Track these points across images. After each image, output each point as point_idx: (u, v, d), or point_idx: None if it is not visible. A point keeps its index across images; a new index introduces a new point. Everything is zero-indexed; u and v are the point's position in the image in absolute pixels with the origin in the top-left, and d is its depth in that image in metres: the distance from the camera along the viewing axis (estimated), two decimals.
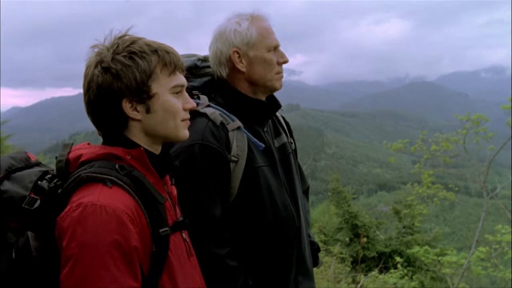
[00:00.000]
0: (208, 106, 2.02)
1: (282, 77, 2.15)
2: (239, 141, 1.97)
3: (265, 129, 2.15)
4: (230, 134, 1.96)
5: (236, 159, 1.95)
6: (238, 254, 1.95)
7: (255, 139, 2.01)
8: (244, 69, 2.06)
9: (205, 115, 1.97)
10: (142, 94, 1.41)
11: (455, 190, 12.45)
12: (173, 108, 1.46)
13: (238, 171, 1.95)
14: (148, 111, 1.43)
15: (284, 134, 2.30)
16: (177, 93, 1.48)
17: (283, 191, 2.11)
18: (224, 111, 2.00)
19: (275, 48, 2.10)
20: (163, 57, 1.43)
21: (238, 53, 2.05)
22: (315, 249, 2.43)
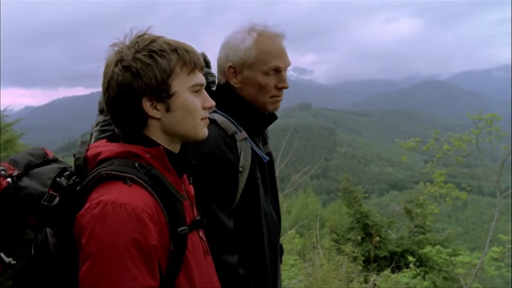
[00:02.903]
0: (215, 111, 2.00)
1: (279, 100, 2.09)
2: (245, 152, 1.96)
3: (257, 139, 2.14)
4: (238, 144, 1.95)
5: (242, 170, 1.95)
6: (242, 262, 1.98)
7: (260, 151, 2.03)
8: (237, 85, 2.04)
9: (214, 121, 1.95)
10: (162, 92, 1.41)
11: (468, 189, 12.35)
12: (192, 107, 1.45)
13: (242, 181, 1.96)
14: (167, 109, 1.43)
15: (268, 143, 2.29)
16: (196, 91, 1.48)
17: (269, 200, 2.13)
18: (232, 120, 1.99)
19: (277, 70, 2.03)
20: (183, 56, 1.43)
21: (233, 68, 2.02)
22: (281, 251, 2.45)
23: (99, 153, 1.42)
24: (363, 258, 9.71)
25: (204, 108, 1.50)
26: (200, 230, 1.55)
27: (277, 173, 5.94)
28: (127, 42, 1.43)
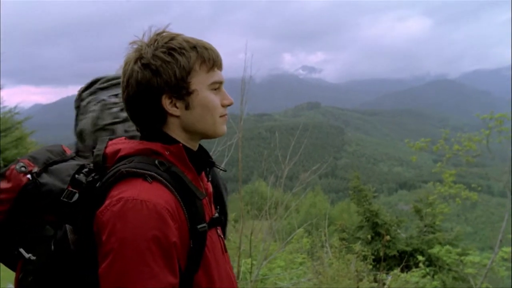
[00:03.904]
0: None
1: None
2: None
3: None
4: None
5: None
6: None
7: None
8: None
9: None
10: (181, 90, 1.40)
11: (478, 189, 12.29)
12: (211, 105, 1.44)
13: None
14: (187, 107, 1.42)
15: None
16: (215, 89, 1.47)
17: None
18: None
19: None
20: (202, 54, 1.42)
21: None
22: None
23: (118, 150, 1.42)
24: (372, 257, 9.69)
25: (223, 106, 1.49)
26: (218, 227, 1.54)
27: (286, 172, 5.97)
28: (146, 40, 1.43)
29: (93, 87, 1.88)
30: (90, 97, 1.85)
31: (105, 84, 1.86)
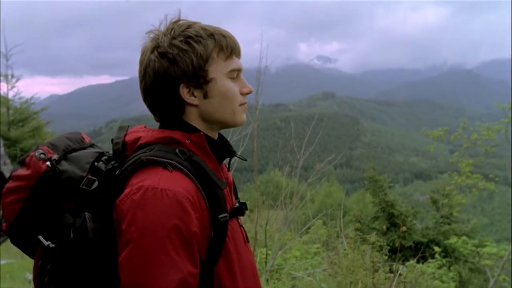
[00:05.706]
0: None
1: None
2: None
3: None
4: None
5: None
6: None
7: None
8: None
9: None
10: (199, 79, 1.39)
11: (496, 180, 12.18)
12: (230, 93, 1.43)
13: None
14: (205, 96, 1.41)
15: None
16: (234, 77, 1.45)
17: None
18: None
19: None
20: (220, 41, 1.41)
21: None
22: None
23: (138, 138, 1.40)
24: (388, 247, 9.65)
25: (242, 94, 1.48)
26: (239, 217, 1.53)
27: (301, 162, 5.95)
28: (163, 29, 1.42)
29: None
30: None
31: None
